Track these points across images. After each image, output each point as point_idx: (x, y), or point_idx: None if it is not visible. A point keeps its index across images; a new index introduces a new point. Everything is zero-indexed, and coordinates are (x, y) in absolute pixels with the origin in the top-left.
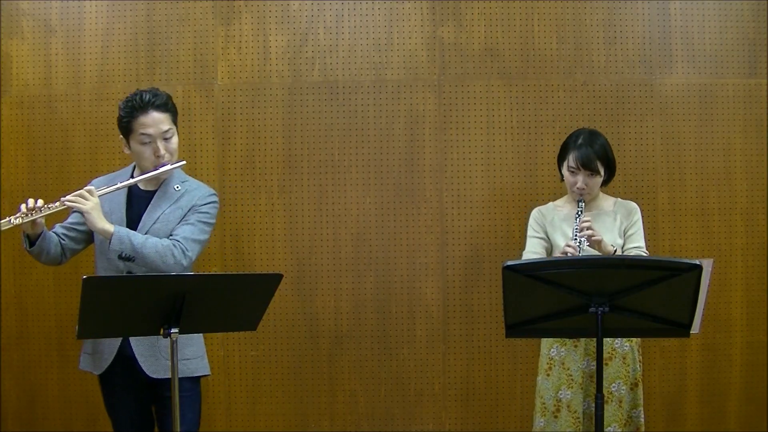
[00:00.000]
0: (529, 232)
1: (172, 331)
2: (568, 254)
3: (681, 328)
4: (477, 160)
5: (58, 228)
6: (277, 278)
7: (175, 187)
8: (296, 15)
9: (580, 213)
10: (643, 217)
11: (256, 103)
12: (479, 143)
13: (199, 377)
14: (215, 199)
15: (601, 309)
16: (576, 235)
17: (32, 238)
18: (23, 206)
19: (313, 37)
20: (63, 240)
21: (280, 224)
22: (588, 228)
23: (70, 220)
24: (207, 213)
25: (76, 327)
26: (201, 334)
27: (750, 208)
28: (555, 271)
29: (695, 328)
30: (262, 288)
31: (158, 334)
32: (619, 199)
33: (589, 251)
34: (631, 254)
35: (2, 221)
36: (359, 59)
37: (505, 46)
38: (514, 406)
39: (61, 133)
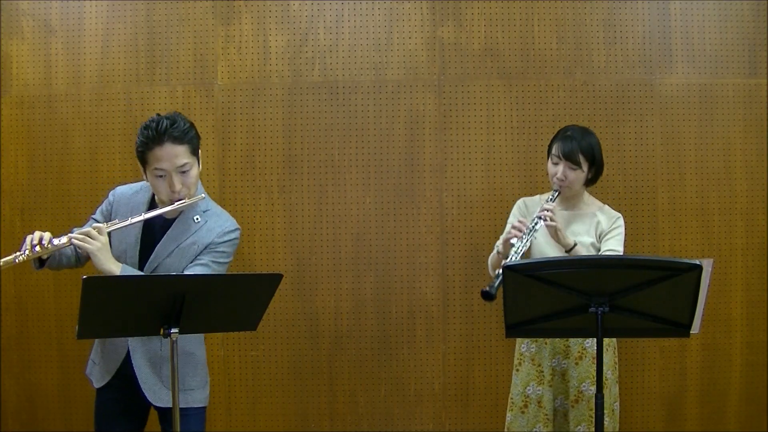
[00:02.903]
0: (510, 218)
1: (172, 331)
2: (512, 236)
3: (681, 328)
4: (477, 160)
5: (76, 233)
6: (277, 278)
7: (195, 218)
8: (296, 15)
9: (550, 200)
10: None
11: (256, 103)
12: (479, 143)
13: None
14: (235, 235)
15: (601, 309)
16: (534, 216)
17: (41, 259)
18: (28, 239)
19: (313, 37)
20: (78, 248)
21: (280, 224)
22: (549, 211)
23: (86, 227)
24: (223, 252)
25: (76, 327)
26: (205, 364)
27: (750, 208)
28: (555, 271)
29: (695, 328)
30: (262, 288)
31: (158, 334)
32: (606, 206)
33: (544, 251)
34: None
35: (7, 259)
36: (359, 59)
37: (505, 46)
38: None
39: (61, 133)
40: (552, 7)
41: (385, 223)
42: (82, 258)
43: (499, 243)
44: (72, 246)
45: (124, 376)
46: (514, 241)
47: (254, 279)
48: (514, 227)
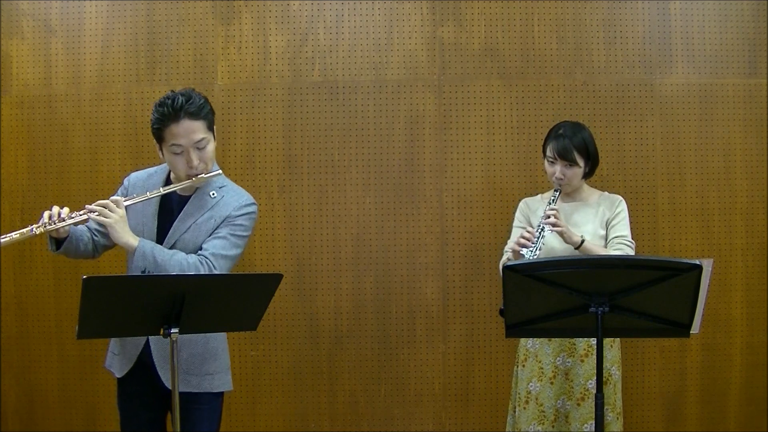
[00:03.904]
0: (515, 222)
1: (172, 331)
2: (521, 246)
3: (681, 328)
4: (477, 160)
5: (92, 223)
6: (277, 278)
7: (211, 194)
8: (296, 15)
9: (551, 201)
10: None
11: (256, 103)
12: (479, 143)
13: (221, 392)
14: (253, 209)
15: (601, 309)
16: (540, 223)
17: (58, 240)
18: (46, 214)
19: (313, 37)
20: (95, 236)
21: (280, 224)
22: (553, 216)
23: None
24: (241, 225)
25: (76, 327)
26: (226, 349)
27: (750, 208)
28: (555, 271)
29: (695, 328)
30: (262, 288)
31: (158, 334)
32: (606, 192)
33: (552, 245)
34: (615, 246)
35: (23, 230)
36: (359, 59)
37: (505, 46)
38: None
39: (61, 133)
40: (552, 7)
41: (385, 223)
42: (99, 246)
43: (508, 249)
44: (90, 232)
45: (144, 363)
46: (524, 251)
47: (254, 279)
48: (523, 237)
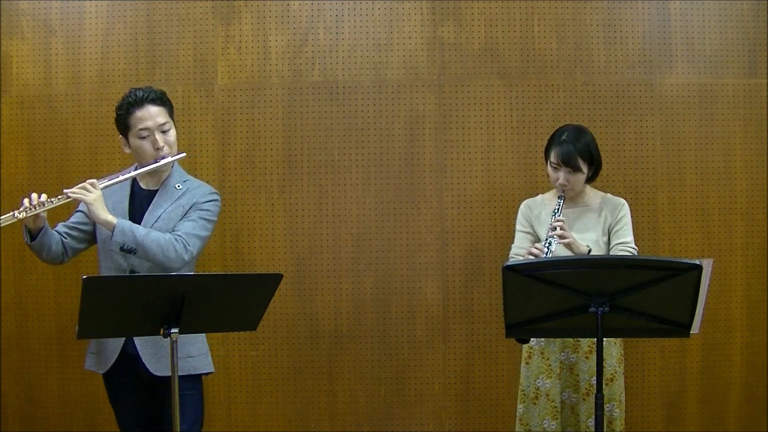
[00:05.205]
0: (518, 226)
1: (172, 331)
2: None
3: (681, 328)
4: (477, 160)
5: (61, 227)
6: (277, 278)
7: (176, 185)
8: (296, 15)
9: (556, 211)
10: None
11: (256, 103)
12: (479, 143)
13: (200, 375)
14: (216, 197)
15: (601, 309)
16: (547, 236)
17: (33, 232)
18: (26, 201)
19: (313, 37)
20: (65, 238)
21: (280, 224)
22: (560, 228)
23: (72, 219)
24: (208, 210)
25: (76, 327)
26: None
27: (750, 208)
28: (555, 271)
29: (695, 328)
30: (262, 288)
31: (158, 334)
32: (608, 194)
33: (559, 253)
34: (618, 252)
35: (5, 216)
36: (359, 59)
37: (505, 46)
38: (513, 406)
39: (61, 133)
40: (552, 7)
41: (385, 223)
42: (68, 249)
43: (513, 254)
44: (60, 235)
45: (127, 355)
46: None
47: (254, 279)
48: (531, 255)
